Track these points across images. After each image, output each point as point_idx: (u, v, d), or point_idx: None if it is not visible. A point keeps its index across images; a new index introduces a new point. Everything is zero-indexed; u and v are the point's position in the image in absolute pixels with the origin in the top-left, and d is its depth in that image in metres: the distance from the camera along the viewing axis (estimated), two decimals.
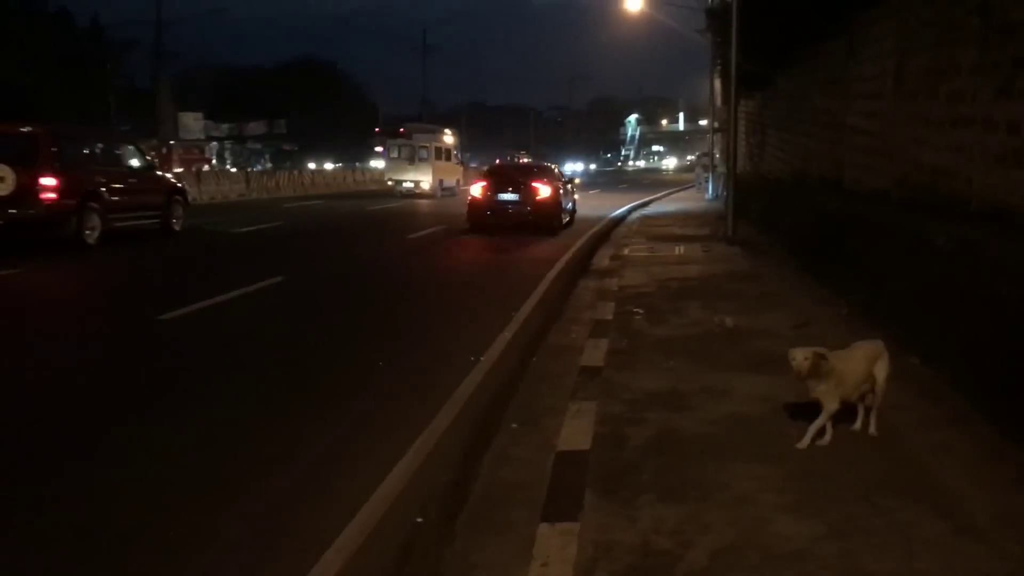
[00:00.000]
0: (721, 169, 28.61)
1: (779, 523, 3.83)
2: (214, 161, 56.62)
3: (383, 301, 10.57)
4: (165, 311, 9.04)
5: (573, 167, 76.55)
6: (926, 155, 7.81)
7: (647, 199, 34.54)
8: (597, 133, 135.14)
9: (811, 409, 4.81)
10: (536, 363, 7.00)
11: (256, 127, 73.53)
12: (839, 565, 3.46)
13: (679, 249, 15.21)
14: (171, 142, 50.05)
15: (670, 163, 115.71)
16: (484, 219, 19.17)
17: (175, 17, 47.92)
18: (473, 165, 54.95)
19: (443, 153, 37.54)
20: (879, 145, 9.34)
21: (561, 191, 20.31)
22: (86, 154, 16.24)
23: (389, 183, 36.96)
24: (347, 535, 3.89)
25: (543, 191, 19.24)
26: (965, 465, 4.53)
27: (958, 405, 5.51)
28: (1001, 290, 5.24)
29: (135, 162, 17.84)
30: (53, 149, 14.87)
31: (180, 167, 41.21)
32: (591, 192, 38.95)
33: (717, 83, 28.28)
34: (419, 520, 4.09)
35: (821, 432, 4.80)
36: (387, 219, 23.95)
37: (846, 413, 5.05)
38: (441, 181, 37.08)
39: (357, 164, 64.64)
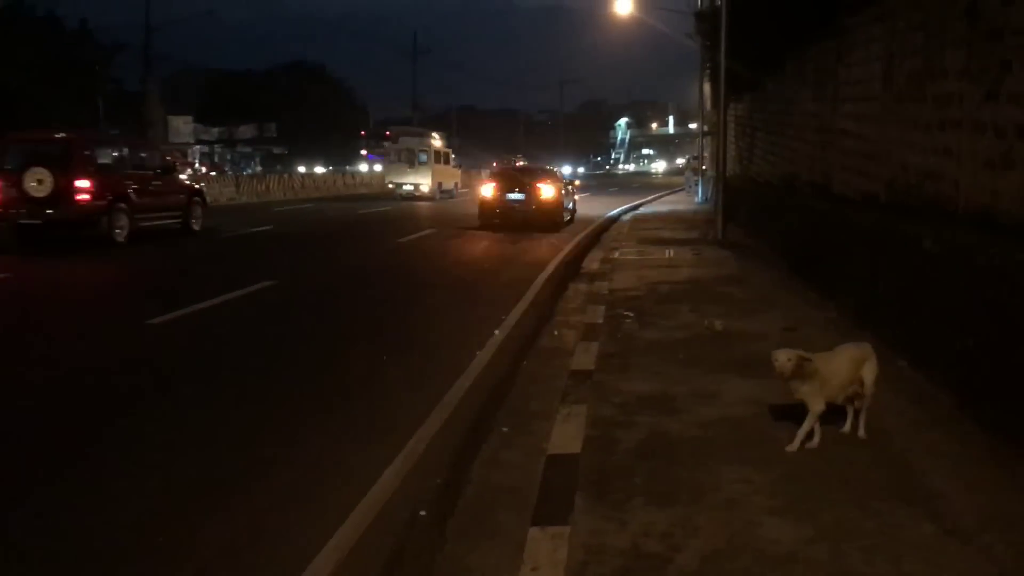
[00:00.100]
0: (710, 173, 28.72)
1: (769, 526, 3.84)
2: (196, 165, 56.08)
3: (373, 305, 10.55)
4: (158, 314, 9.00)
5: (561, 171, 76.76)
6: (914, 158, 7.84)
7: (637, 202, 34.65)
8: (587, 137, 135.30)
9: (800, 412, 4.83)
10: (527, 366, 7.01)
11: (246, 130, 73.50)
12: (828, 568, 3.47)
13: (669, 252, 15.24)
14: None
15: (659, 166, 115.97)
16: (494, 216, 21.00)
17: (164, 20, 47.65)
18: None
19: (442, 157, 38.65)
20: (868, 148, 9.38)
21: (563, 192, 22.18)
22: (115, 158, 17.25)
23: (389, 186, 37.98)
24: (338, 539, 3.89)
25: (547, 191, 21.19)
26: (953, 467, 4.55)
27: (947, 407, 5.54)
28: (989, 293, 5.26)
29: (159, 166, 18.74)
30: (86, 153, 16.20)
31: None
32: (579, 196, 38.92)
33: (707, 87, 28.42)
34: (422, 513, 4.13)
35: (810, 435, 4.82)
36: (378, 223, 23.93)
37: (836, 415, 5.07)
38: (440, 184, 38.06)
39: (347, 168, 64.53)
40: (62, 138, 16.84)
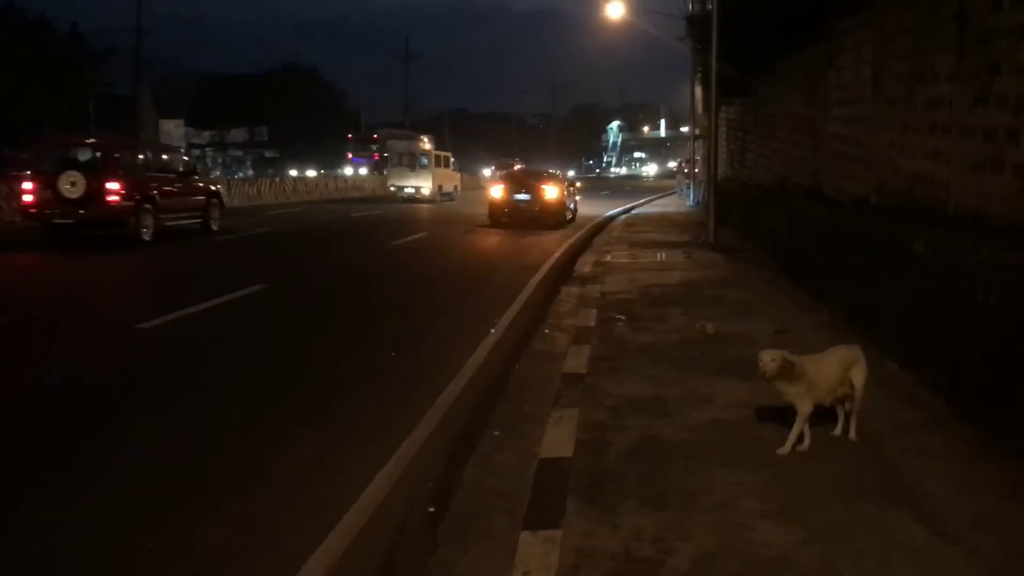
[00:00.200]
0: (701, 176, 28.88)
1: (760, 529, 3.84)
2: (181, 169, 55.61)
3: (364, 308, 10.52)
4: (148, 317, 8.98)
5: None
6: (904, 162, 7.87)
7: (629, 205, 34.72)
8: (579, 140, 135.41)
9: (791, 415, 4.84)
10: (519, 370, 7.01)
11: (237, 134, 73.43)
12: (819, 571, 3.48)
13: (661, 255, 15.28)
14: None
15: (650, 170, 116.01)
16: (502, 215, 23.02)
17: (155, 24, 47.64)
18: None
19: (442, 161, 40.01)
20: (858, 152, 9.41)
21: (565, 193, 24.19)
22: (141, 161, 18.24)
23: (391, 188, 39.24)
24: (329, 543, 3.87)
25: (551, 192, 23.33)
26: (944, 470, 4.56)
27: (937, 410, 5.56)
28: (978, 295, 5.28)
29: (181, 168, 19.81)
30: (116, 157, 17.43)
31: None
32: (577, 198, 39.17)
33: (698, 90, 28.49)
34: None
35: (801, 438, 4.83)
36: (370, 226, 23.89)
37: (827, 418, 5.09)
38: (440, 187, 39.17)
39: (338, 172, 64.40)
40: (94, 143, 18.68)
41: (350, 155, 70.95)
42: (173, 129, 59.83)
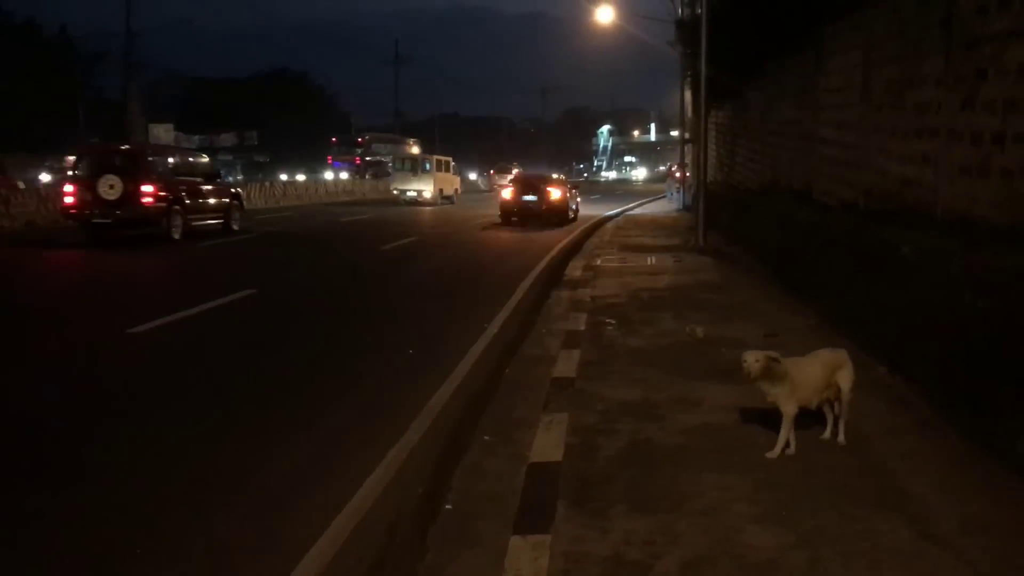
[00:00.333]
0: (691, 181, 29.05)
1: (749, 533, 3.85)
2: None
3: (356, 312, 10.51)
4: (137, 323, 8.95)
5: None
6: (893, 165, 7.91)
7: (620, 209, 34.82)
8: (570, 144, 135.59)
9: (780, 418, 4.85)
10: (509, 374, 7.01)
11: (227, 138, 73.24)
12: (808, 574, 3.49)
13: (651, 259, 15.30)
14: None
15: (639, 174, 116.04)
16: (512, 214, 25.65)
17: (145, 27, 47.43)
18: None
19: (443, 165, 41.53)
20: (847, 156, 9.45)
21: (568, 194, 26.87)
22: (171, 165, 19.79)
23: (394, 192, 40.80)
24: (319, 548, 3.87)
25: (555, 194, 25.96)
26: (932, 472, 4.58)
27: (925, 413, 5.57)
28: (966, 299, 5.31)
29: (206, 172, 21.30)
30: (150, 162, 18.94)
31: None
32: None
33: (688, 94, 28.55)
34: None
35: (787, 442, 4.84)
36: (361, 230, 23.88)
37: (816, 422, 5.10)
38: (441, 190, 40.63)
39: (319, 177, 64.06)
40: (129, 150, 20.55)
41: (331, 159, 70.96)
42: (163, 133, 59.50)
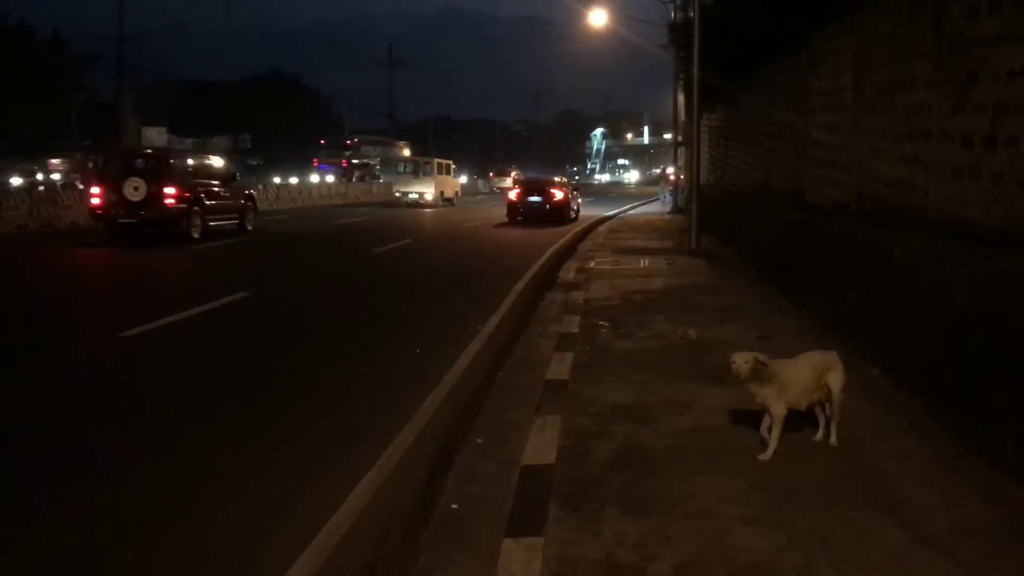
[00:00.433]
0: (684, 183, 29.27)
1: (741, 535, 3.86)
2: None
3: (348, 315, 10.50)
4: (130, 326, 8.92)
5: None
6: (884, 168, 7.94)
7: (614, 211, 34.87)
8: (563, 146, 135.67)
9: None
10: (502, 377, 7.01)
11: (220, 141, 72.90)
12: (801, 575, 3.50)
13: (644, 262, 15.31)
14: (96, 157, 48.30)
15: (632, 176, 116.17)
16: (518, 213, 27.47)
17: (138, 30, 47.35)
18: None
19: (443, 168, 42.60)
20: (839, 158, 9.48)
21: (570, 195, 28.97)
22: (191, 168, 20.76)
23: (396, 194, 41.70)
24: (311, 551, 3.85)
25: (558, 195, 27.89)
26: (923, 474, 4.60)
27: (917, 415, 5.59)
28: (957, 300, 5.32)
29: (223, 174, 22.22)
30: (172, 165, 20.03)
31: None
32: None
33: (681, 97, 28.62)
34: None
35: (766, 443, 4.85)
36: (354, 233, 23.85)
37: (809, 423, 5.11)
38: (442, 193, 41.60)
39: (314, 179, 63.75)
40: (153, 153, 22.38)
41: (316, 161, 70.76)
42: (155, 136, 59.26)
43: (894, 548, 3.72)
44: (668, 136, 62.20)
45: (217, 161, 23.10)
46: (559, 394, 6.31)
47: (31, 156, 50.17)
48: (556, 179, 31.38)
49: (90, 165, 43.82)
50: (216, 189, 21.18)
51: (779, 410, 4.80)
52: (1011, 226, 5.50)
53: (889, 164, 7.81)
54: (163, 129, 62.83)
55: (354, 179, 60.12)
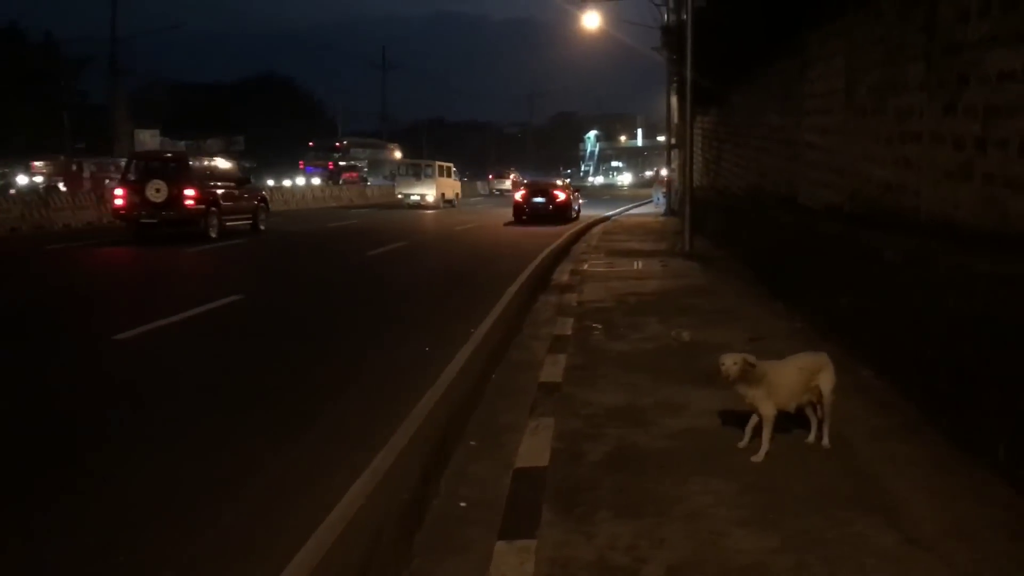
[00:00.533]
0: (677, 185, 29.39)
1: (734, 537, 3.86)
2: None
3: (341, 318, 10.49)
4: (123, 329, 8.90)
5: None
6: (876, 170, 7.97)
7: (608, 214, 34.94)
8: (557, 149, 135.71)
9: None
10: (495, 379, 7.01)
11: (214, 144, 72.74)
12: None
13: (637, 264, 15.32)
14: (80, 160, 47.82)
15: (625, 179, 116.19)
16: (523, 213, 29.36)
17: (131, 33, 47.27)
18: None
19: (444, 171, 43.89)
20: (831, 160, 9.51)
21: (571, 196, 30.88)
22: (208, 170, 21.98)
23: (399, 196, 42.52)
24: (304, 554, 3.85)
25: (560, 196, 29.88)
26: (916, 476, 4.60)
27: (910, 416, 5.60)
28: (949, 302, 5.34)
29: (238, 177, 23.58)
30: (192, 167, 21.19)
31: (90, 185, 39.42)
32: None
33: (674, 100, 28.64)
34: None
35: (757, 442, 4.86)
36: (348, 236, 23.84)
37: (801, 425, 5.12)
38: (443, 194, 42.63)
39: (300, 182, 63.17)
40: (173, 157, 23.64)
41: (302, 164, 70.38)
42: (149, 139, 58.97)
43: (887, 550, 3.72)
44: (662, 138, 62.34)
45: (232, 165, 24.60)
46: (552, 396, 6.31)
47: (24, 159, 49.93)
48: (558, 182, 33.36)
49: (73, 167, 43.73)
50: (232, 191, 22.34)
51: (768, 411, 4.81)
52: (1002, 228, 5.52)
53: (881, 166, 7.84)
54: (156, 131, 62.59)
55: (340, 182, 59.68)
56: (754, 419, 4.94)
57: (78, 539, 4.10)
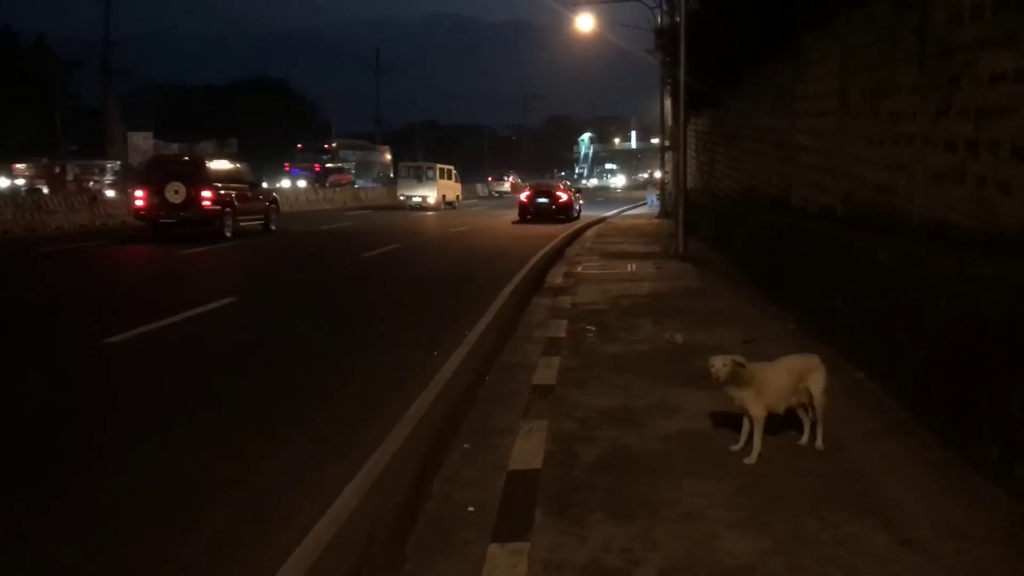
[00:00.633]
0: (670, 187, 29.52)
1: (727, 539, 3.86)
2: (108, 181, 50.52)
3: (337, 319, 10.47)
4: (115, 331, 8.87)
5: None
6: (869, 172, 7.98)
7: (601, 216, 34.94)
8: (551, 151, 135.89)
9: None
10: (489, 382, 6.99)
11: (207, 146, 72.64)
12: None
13: (631, 266, 15.33)
14: (63, 162, 47.53)
15: (619, 181, 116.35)
16: (528, 213, 31.21)
17: (124, 35, 47.08)
18: None
19: (445, 173, 45.18)
20: (825, 163, 9.53)
21: (573, 197, 33.18)
22: (223, 173, 23.11)
23: (400, 198, 43.52)
24: (297, 557, 3.84)
25: (562, 197, 32.05)
26: (908, 477, 4.61)
27: (903, 418, 5.61)
28: (942, 304, 5.35)
29: (250, 180, 24.89)
30: (209, 169, 22.39)
31: (73, 188, 39.16)
32: None
33: (668, 102, 28.70)
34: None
35: (749, 448, 4.86)
36: (342, 238, 23.87)
37: (794, 427, 5.12)
38: (444, 196, 43.77)
39: (285, 184, 62.67)
40: (191, 160, 26.17)
41: (288, 166, 69.67)
42: (141, 142, 58.78)
43: (879, 551, 3.73)
44: (656, 141, 62.50)
45: (245, 167, 26.12)
46: (546, 399, 6.30)
47: (11, 162, 49.68)
48: (560, 184, 35.95)
49: (56, 170, 43.69)
50: (245, 193, 23.54)
51: (758, 412, 4.82)
52: (995, 230, 5.54)
53: (874, 169, 7.86)
54: (149, 134, 62.41)
55: (328, 184, 58.97)
56: (747, 424, 4.94)
57: (68, 542, 4.08)
